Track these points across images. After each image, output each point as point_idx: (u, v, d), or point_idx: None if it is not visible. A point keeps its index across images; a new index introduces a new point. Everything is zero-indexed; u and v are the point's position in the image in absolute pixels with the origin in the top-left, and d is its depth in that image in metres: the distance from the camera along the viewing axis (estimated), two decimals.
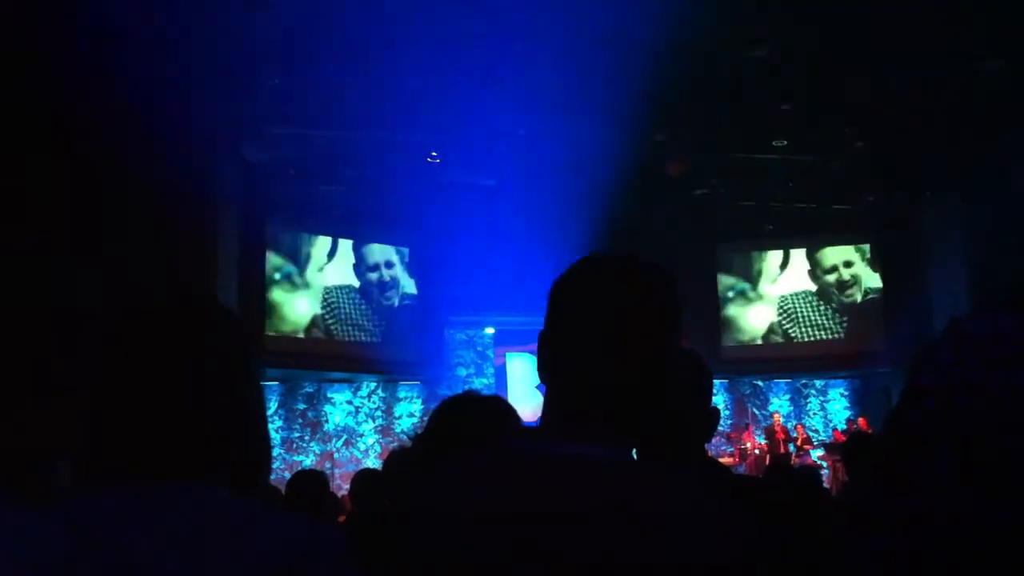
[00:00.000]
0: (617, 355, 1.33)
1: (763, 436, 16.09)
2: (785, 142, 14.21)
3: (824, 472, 14.28)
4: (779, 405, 18.18)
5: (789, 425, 16.62)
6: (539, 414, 1.40)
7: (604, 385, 1.33)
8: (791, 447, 15.56)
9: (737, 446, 16.13)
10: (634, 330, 1.35)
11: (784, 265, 18.09)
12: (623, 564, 1.17)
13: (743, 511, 1.23)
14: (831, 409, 18.51)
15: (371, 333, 16.15)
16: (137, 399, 1.34)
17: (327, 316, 15.71)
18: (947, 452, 0.98)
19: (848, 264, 17.89)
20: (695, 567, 1.16)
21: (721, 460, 12.80)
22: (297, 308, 15.37)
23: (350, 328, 15.96)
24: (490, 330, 17.54)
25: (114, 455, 1.34)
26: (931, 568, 0.98)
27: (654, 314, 1.37)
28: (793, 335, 17.92)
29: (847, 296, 17.88)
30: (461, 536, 1.26)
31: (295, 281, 15.41)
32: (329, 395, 16.48)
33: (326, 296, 15.76)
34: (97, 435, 1.35)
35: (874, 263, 17.76)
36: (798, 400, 18.49)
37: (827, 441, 16.36)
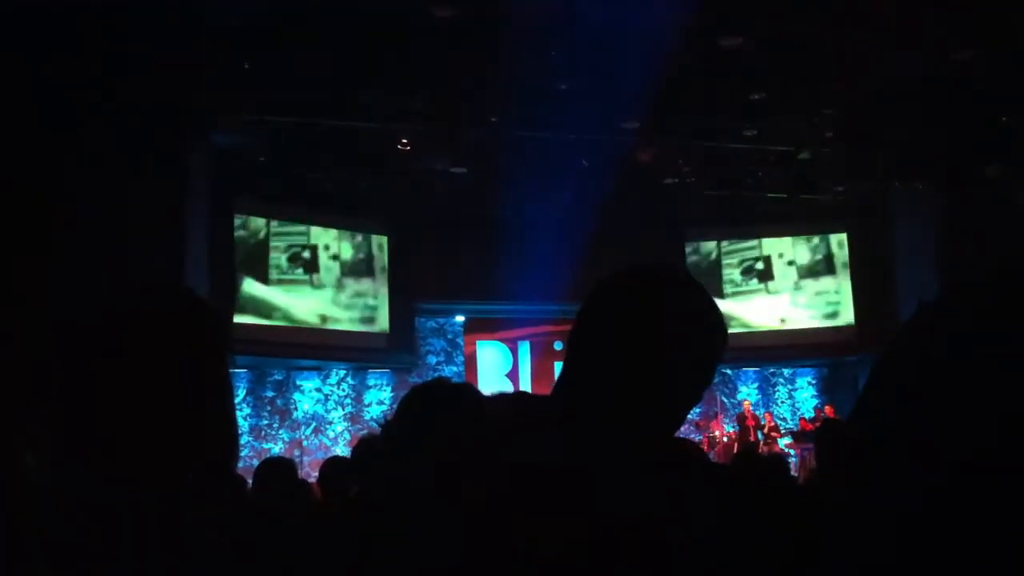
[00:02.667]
0: (622, 356, 1.38)
1: (734, 424, 16.21)
2: (755, 131, 14.26)
3: (792, 460, 14.40)
4: (747, 393, 18.30)
5: (759, 413, 16.74)
6: None
7: (604, 381, 1.36)
8: (759, 435, 15.69)
9: (705, 434, 16.22)
10: (638, 337, 1.41)
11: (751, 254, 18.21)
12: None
13: (736, 506, 1.25)
14: (799, 397, 18.68)
15: (340, 320, 16.09)
16: (112, 392, 1.32)
17: (297, 303, 15.64)
18: (933, 451, 0.99)
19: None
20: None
21: None
22: (266, 295, 15.29)
23: (319, 315, 15.90)
24: (460, 318, 17.54)
25: (87, 450, 1.32)
26: (924, 570, 0.98)
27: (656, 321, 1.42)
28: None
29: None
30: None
31: (265, 268, 15.33)
32: (298, 382, 16.44)
33: (296, 282, 15.69)
34: (71, 429, 1.33)
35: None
36: (766, 388, 18.63)
37: (794, 429, 16.50)
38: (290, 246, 15.69)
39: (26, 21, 9.12)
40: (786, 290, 18.03)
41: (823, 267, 17.96)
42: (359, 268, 16.45)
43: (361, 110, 13.07)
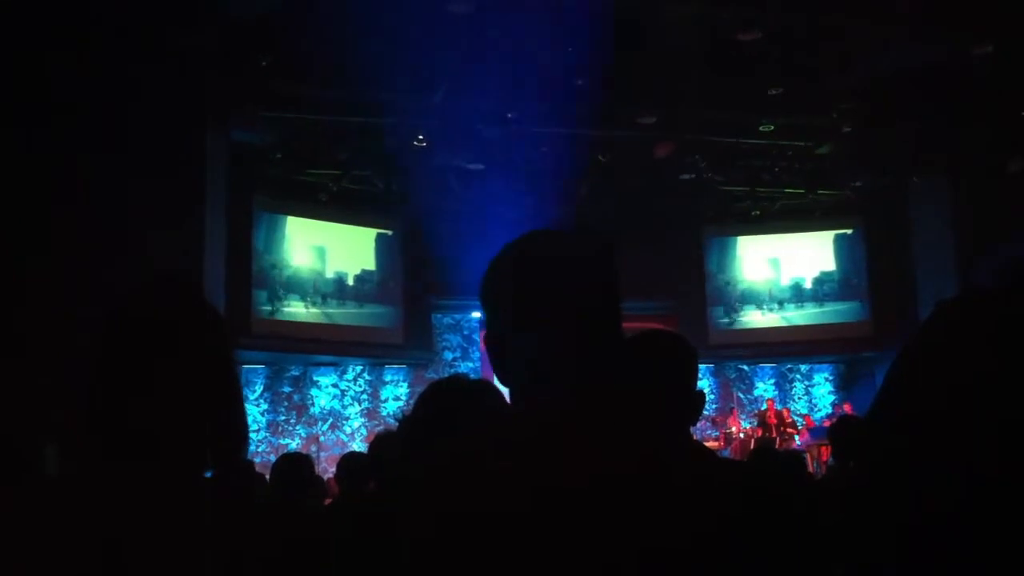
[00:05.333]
0: (583, 324, 1.34)
1: (756, 421, 16.15)
2: (772, 127, 14.21)
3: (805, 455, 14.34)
4: (764, 389, 18.25)
5: (779, 408, 16.69)
6: None
7: (577, 353, 1.34)
8: (777, 431, 15.63)
9: (722, 430, 16.18)
10: (594, 299, 1.36)
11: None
12: (632, 538, 1.18)
13: (738, 482, 1.24)
14: (816, 393, 18.60)
15: (357, 316, 16.12)
16: (125, 390, 1.34)
17: (313, 299, 15.68)
18: (946, 451, 0.99)
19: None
20: (699, 533, 1.18)
21: (706, 444, 12.86)
22: (283, 291, 15.33)
23: (335, 311, 15.92)
24: (476, 314, 17.53)
25: (103, 443, 1.34)
26: (934, 567, 0.98)
27: (608, 282, 1.38)
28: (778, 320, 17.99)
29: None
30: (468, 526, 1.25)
31: (282, 264, 15.37)
32: (315, 378, 16.48)
33: (312, 279, 15.73)
34: (86, 424, 1.35)
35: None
36: (783, 384, 18.56)
37: (809, 425, 16.45)
38: (306, 241, 15.73)
39: (47, 15, 9.17)
40: (803, 285, 17.95)
41: (840, 262, 17.88)
42: (375, 263, 16.47)
43: (378, 106, 13.09)
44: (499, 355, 1.38)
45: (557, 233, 1.42)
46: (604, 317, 1.36)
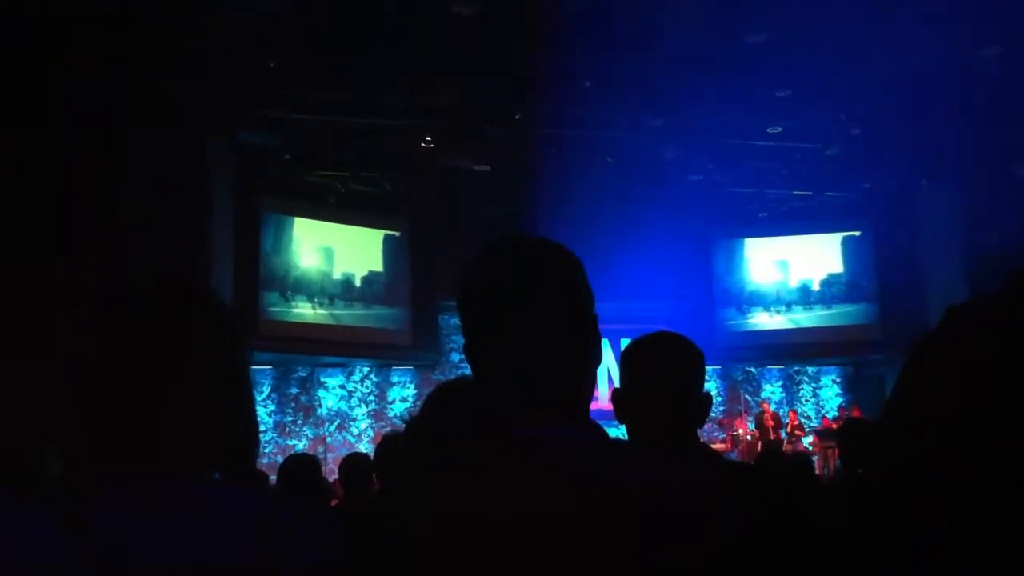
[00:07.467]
0: (556, 332, 1.34)
1: (753, 424, 16.13)
2: (780, 128, 14.19)
3: (814, 458, 14.31)
4: (771, 391, 18.22)
5: (782, 412, 16.65)
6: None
7: (553, 362, 1.33)
8: (783, 433, 15.61)
9: (729, 432, 16.17)
10: (564, 307, 1.36)
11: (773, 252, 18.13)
12: (632, 551, 1.17)
13: (742, 491, 1.23)
14: (823, 396, 18.56)
15: (364, 317, 16.13)
16: (129, 390, 1.34)
17: (320, 300, 15.69)
18: (955, 458, 0.98)
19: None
20: (701, 547, 1.17)
21: (713, 446, 12.84)
22: (290, 292, 15.34)
23: (343, 313, 15.94)
24: None
25: (106, 445, 1.33)
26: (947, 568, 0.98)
27: (579, 290, 1.38)
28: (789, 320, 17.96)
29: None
30: (476, 541, 1.24)
31: (290, 266, 15.38)
32: (322, 379, 16.49)
33: (320, 280, 15.74)
34: (89, 424, 1.35)
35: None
36: (790, 387, 18.53)
37: (818, 427, 16.42)
38: (314, 243, 15.74)
39: (48, 16, 9.19)
40: (811, 287, 17.92)
41: (847, 265, 17.84)
42: (383, 265, 16.48)
43: (385, 108, 13.10)
44: (486, 362, 1.37)
45: (525, 238, 1.42)
46: (588, 320, 1.37)
